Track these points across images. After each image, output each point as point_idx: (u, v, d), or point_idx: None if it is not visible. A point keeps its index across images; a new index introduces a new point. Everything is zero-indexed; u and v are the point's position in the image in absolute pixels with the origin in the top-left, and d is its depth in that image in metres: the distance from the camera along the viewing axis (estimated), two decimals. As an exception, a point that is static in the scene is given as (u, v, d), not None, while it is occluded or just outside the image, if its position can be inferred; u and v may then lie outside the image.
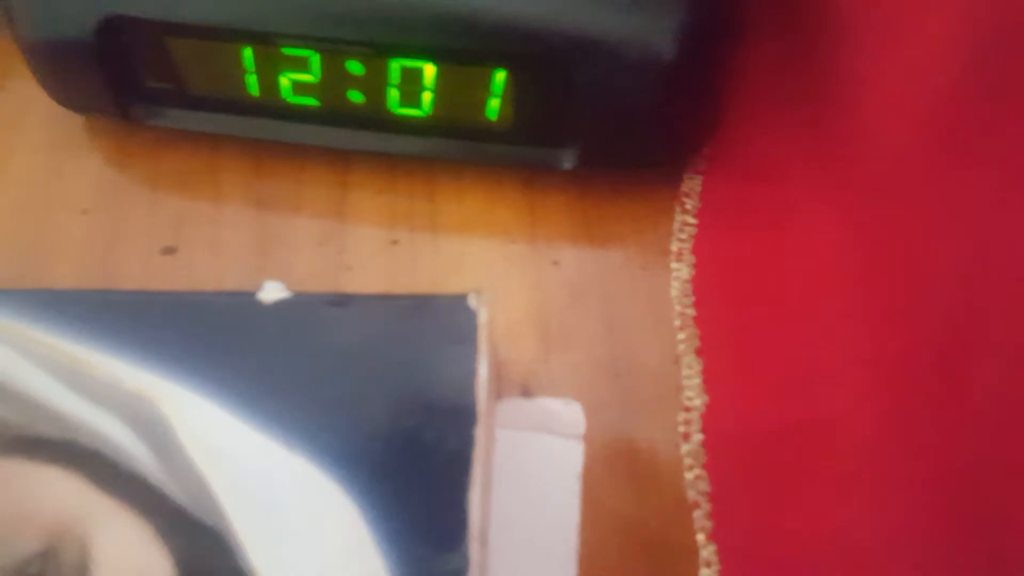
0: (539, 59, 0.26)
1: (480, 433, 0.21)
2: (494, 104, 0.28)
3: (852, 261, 0.26)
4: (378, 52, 0.26)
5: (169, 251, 0.29)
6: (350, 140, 0.29)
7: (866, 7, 0.26)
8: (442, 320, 0.22)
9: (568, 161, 0.28)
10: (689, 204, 0.29)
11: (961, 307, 0.22)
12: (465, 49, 0.26)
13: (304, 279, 0.29)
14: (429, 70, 0.27)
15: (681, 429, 0.25)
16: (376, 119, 0.29)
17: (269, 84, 0.28)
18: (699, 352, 0.26)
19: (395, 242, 0.29)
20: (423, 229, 0.30)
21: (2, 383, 0.21)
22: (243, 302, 0.23)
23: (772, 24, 0.30)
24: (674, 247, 0.28)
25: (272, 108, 0.29)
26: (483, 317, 0.22)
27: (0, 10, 0.29)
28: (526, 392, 0.26)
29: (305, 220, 0.30)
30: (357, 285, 0.28)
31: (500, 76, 0.27)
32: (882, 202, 0.25)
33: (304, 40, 0.26)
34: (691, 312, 0.27)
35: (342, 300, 0.23)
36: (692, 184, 0.29)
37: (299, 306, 0.23)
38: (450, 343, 0.22)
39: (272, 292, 0.23)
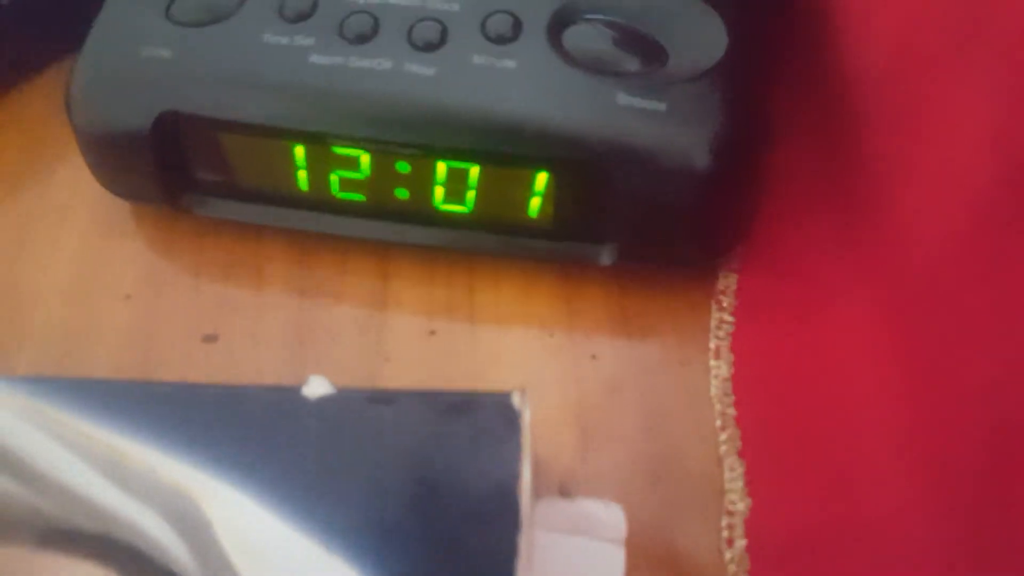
0: (580, 164, 0.27)
1: (523, 538, 0.20)
2: (535, 202, 0.28)
3: (891, 361, 0.26)
4: (426, 154, 0.27)
5: (210, 339, 0.29)
6: (394, 233, 0.30)
7: (899, 106, 0.26)
8: (485, 419, 0.22)
9: (607, 257, 0.29)
10: (725, 302, 0.29)
11: (1010, 412, 0.22)
12: (509, 154, 0.27)
13: (343, 369, 0.29)
14: (474, 170, 0.27)
15: (724, 534, 0.25)
16: (420, 214, 0.29)
17: (318, 180, 0.29)
18: (741, 453, 0.26)
19: (433, 333, 0.30)
20: (461, 320, 0.30)
21: (39, 472, 0.21)
22: (287, 397, 0.23)
23: (804, 122, 0.30)
24: (712, 344, 0.28)
25: (319, 202, 0.29)
26: (527, 417, 0.22)
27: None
28: (564, 491, 0.26)
29: (345, 310, 0.30)
30: (395, 375, 0.29)
31: (542, 177, 0.27)
32: (920, 303, 0.25)
33: (356, 141, 0.27)
34: (732, 412, 0.27)
35: (386, 397, 0.23)
36: (728, 282, 0.29)
37: (343, 402, 0.23)
38: (493, 443, 0.22)
39: (316, 387, 0.23)
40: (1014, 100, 0.21)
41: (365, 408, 0.23)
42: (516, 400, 0.22)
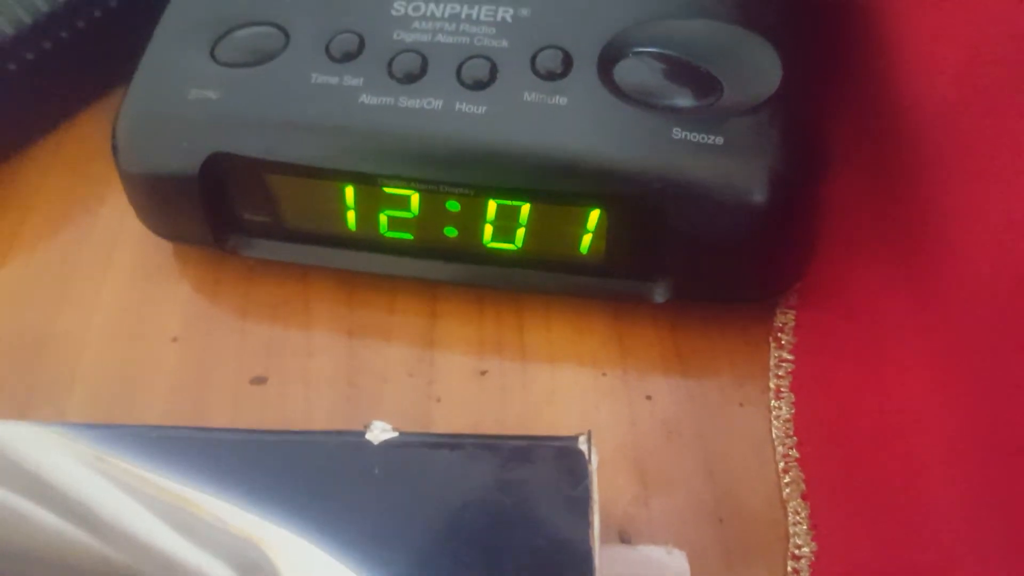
0: (633, 200, 0.26)
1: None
2: (586, 239, 0.28)
3: (952, 407, 0.25)
4: (477, 192, 0.27)
5: (259, 381, 0.29)
6: (442, 272, 0.29)
7: (962, 142, 0.25)
8: (552, 464, 0.22)
9: (660, 295, 0.28)
10: (784, 339, 0.28)
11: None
12: (562, 191, 0.26)
13: (394, 411, 0.28)
14: (525, 208, 0.27)
15: (793, 582, 0.24)
16: (468, 252, 0.29)
17: (367, 219, 0.28)
18: (805, 496, 0.25)
19: (484, 373, 0.29)
20: (512, 360, 0.29)
21: (107, 520, 0.21)
22: (351, 442, 0.22)
23: (864, 154, 0.30)
24: (772, 384, 0.28)
25: (367, 241, 0.29)
26: (595, 461, 0.22)
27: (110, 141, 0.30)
28: (624, 538, 0.25)
29: (395, 350, 0.30)
30: (447, 417, 0.28)
31: (594, 214, 0.27)
32: (980, 348, 0.25)
33: (406, 181, 0.27)
34: (794, 454, 0.26)
35: (450, 442, 0.22)
36: (786, 319, 0.29)
37: (407, 447, 0.22)
38: (562, 489, 0.21)
39: (380, 432, 0.22)
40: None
41: (429, 453, 0.22)
42: (583, 444, 0.22)
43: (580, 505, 0.21)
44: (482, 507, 0.21)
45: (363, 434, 0.22)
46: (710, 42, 0.27)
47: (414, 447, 0.22)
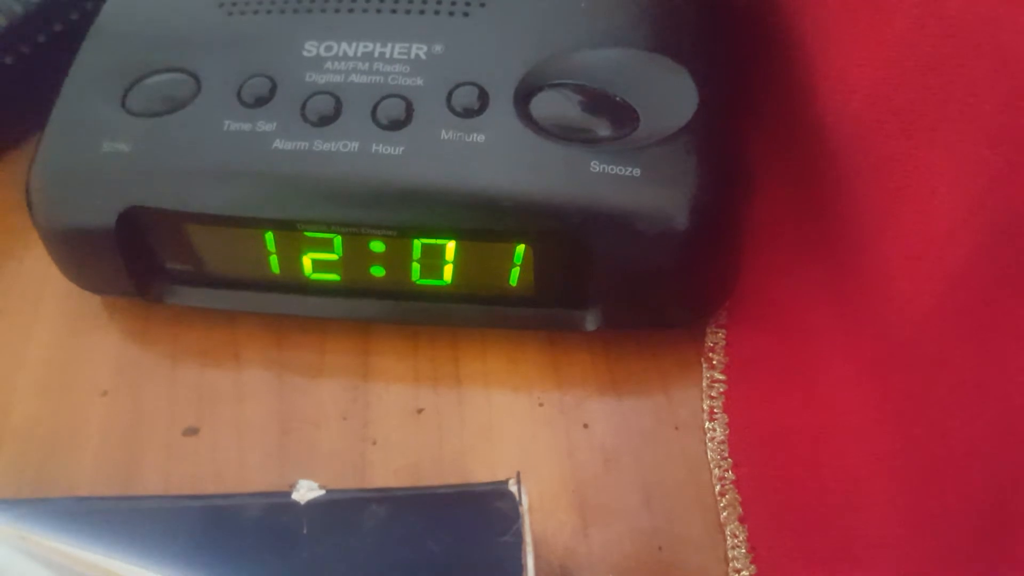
0: (557, 234, 0.26)
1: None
2: (515, 272, 0.28)
3: (882, 420, 0.25)
4: (399, 233, 0.26)
5: (191, 432, 0.29)
6: (372, 311, 0.29)
7: (878, 160, 0.26)
8: (484, 510, 0.22)
9: (591, 323, 0.28)
10: (716, 360, 0.29)
11: (1001, 472, 0.21)
12: (485, 228, 0.26)
13: (328, 457, 0.28)
14: (450, 246, 0.27)
15: (731, 608, 0.24)
16: (397, 290, 0.29)
17: (290, 263, 0.28)
18: (742, 519, 0.26)
19: (420, 411, 0.29)
20: (448, 395, 0.29)
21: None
22: (278, 503, 0.22)
23: (784, 174, 0.30)
24: (706, 406, 0.28)
25: (293, 284, 0.29)
26: (525, 504, 0.22)
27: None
28: (565, 571, 0.25)
29: (328, 393, 0.29)
30: (383, 459, 0.28)
31: (520, 248, 0.27)
32: (906, 361, 0.25)
33: (327, 225, 0.26)
34: (730, 476, 0.26)
35: (378, 496, 0.22)
36: (716, 339, 0.29)
37: (335, 504, 0.22)
38: (494, 534, 0.21)
39: (306, 491, 0.22)
40: (993, 165, 0.20)
41: (357, 509, 0.22)
42: (513, 486, 0.22)
43: (513, 550, 0.21)
44: (413, 560, 0.21)
45: (290, 494, 0.22)
46: (626, 71, 0.27)
47: (341, 504, 0.22)
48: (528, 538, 0.21)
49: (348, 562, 0.21)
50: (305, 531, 0.22)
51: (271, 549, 0.21)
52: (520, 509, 0.21)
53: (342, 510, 0.22)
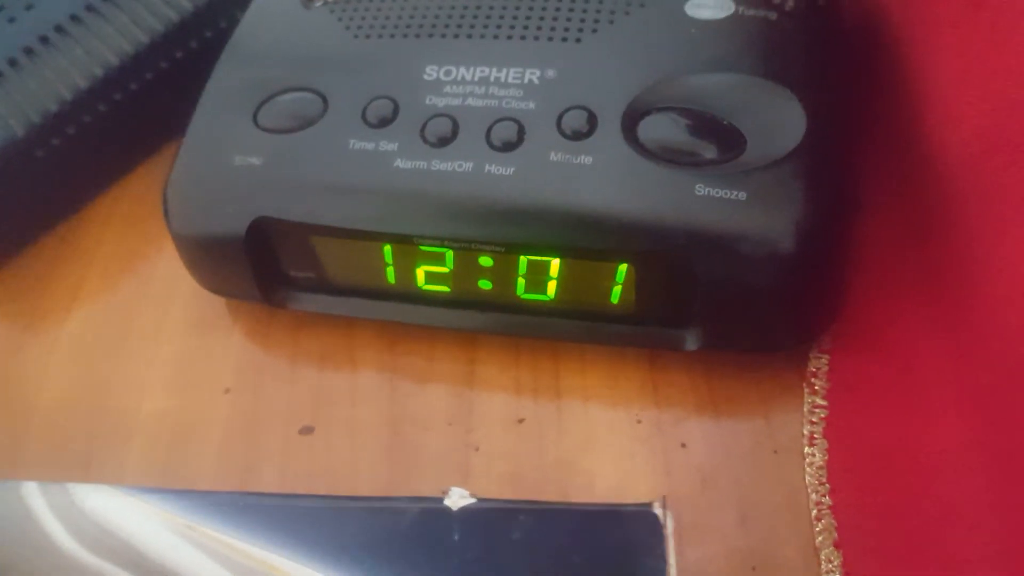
0: (659, 255, 0.27)
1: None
2: (617, 291, 0.28)
3: (982, 451, 0.25)
4: (507, 250, 0.27)
5: (307, 431, 0.30)
6: (478, 322, 0.30)
7: (987, 190, 0.25)
8: (628, 529, 0.22)
9: (692, 343, 0.29)
10: (818, 385, 0.29)
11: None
12: (589, 247, 0.27)
13: (434, 460, 0.29)
14: (555, 263, 0.28)
15: (825, 633, 0.24)
16: (503, 303, 0.30)
17: (405, 274, 0.29)
18: (837, 544, 0.26)
19: (521, 421, 0.30)
20: (548, 406, 0.30)
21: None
22: (430, 509, 0.23)
23: (893, 200, 0.30)
24: (806, 431, 0.28)
25: (406, 294, 0.30)
26: (670, 526, 0.22)
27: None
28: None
29: (435, 398, 0.31)
30: (485, 465, 0.29)
31: (622, 268, 0.27)
32: (1013, 393, 0.25)
33: (440, 240, 0.27)
34: (827, 501, 0.26)
35: (527, 508, 0.23)
36: (819, 363, 0.29)
37: (485, 513, 0.23)
38: (638, 555, 0.22)
39: (458, 499, 0.23)
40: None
41: (507, 519, 0.23)
42: (658, 509, 0.22)
43: (657, 571, 0.21)
44: (557, 572, 0.22)
45: (442, 500, 0.23)
46: (733, 96, 0.27)
47: (492, 513, 0.23)
48: (672, 560, 0.21)
49: (496, 570, 0.22)
50: (456, 537, 0.22)
51: (424, 552, 0.22)
52: (664, 532, 0.22)
53: (492, 519, 0.23)
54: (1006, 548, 0.24)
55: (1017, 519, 0.24)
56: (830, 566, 0.25)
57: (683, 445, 0.29)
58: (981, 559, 0.24)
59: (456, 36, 0.30)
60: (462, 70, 0.29)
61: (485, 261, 0.28)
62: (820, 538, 0.26)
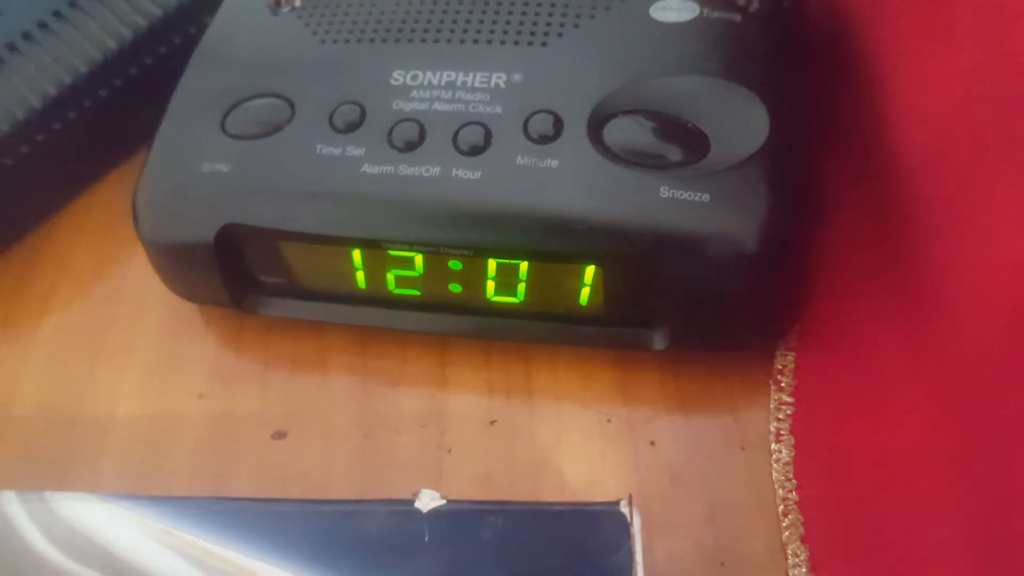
0: (626, 257, 0.27)
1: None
2: (585, 292, 0.29)
3: (946, 447, 0.26)
4: (476, 253, 0.28)
5: (280, 435, 0.31)
6: (449, 325, 0.30)
7: (948, 189, 0.26)
8: (596, 528, 0.23)
9: (659, 342, 0.29)
10: (784, 382, 0.29)
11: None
12: (556, 250, 0.27)
13: (407, 463, 0.29)
14: (523, 266, 0.28)
15: (790, 627, 0.25)
16: (473, 306, 0.30)
17: (375, 278, 0.30)
18: (804, 540, 0.26)
19: (493, 422, 0.30)
20: (520, 409, 0.30)
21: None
22: (401, 511, 0.23)
23: (855, 197, 0.30)
24: (772, 427, 0.28)
25: (377, 298, 0.30)
26: (637, 524, 0.22)
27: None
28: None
29: (407, 400, 0.31)
30: (458, 467, 0.29)
31: (590, 270, 0.28)
32: (974, 392, 0.25)
33: (409, 244, 0.28)
34: (794, 497, 0.27)
35: (496, 509, 0.23)
36: (785, 361, 0.29)
37: (455, 514, 0.23)
38: (606, 552, 0.22)
39: (428, 500, 0.23)
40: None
41: (477, 520, 0.23)
42: (624, 508, 0.23)
43: (623, 569, 0.22)
44: (528, 572, 0.22)
45: (412, 502, 0.23)
46: (698, 98, 0.28)
47: (462, 514, 0.23)
48: (639, 558, 0.22)
49: (466, 571, 0.22)
50: (427, 539, 0.23)
51: (394, 555, 0.23)
52: (631, 530, 0.22)
53: (462, 520, 0.23)
54: (970, 542, 0.24)
55: (980, 513, 0.24)
56: (797, 560, 0.26)
57: (652, 443, 0.29)
58: (947, 553, 0.25)
59: (423, 41, 0.30)
60: (429, 75, 0.29)
61: (454, 264, 0.28)
62: (787, 533, 0.26)
